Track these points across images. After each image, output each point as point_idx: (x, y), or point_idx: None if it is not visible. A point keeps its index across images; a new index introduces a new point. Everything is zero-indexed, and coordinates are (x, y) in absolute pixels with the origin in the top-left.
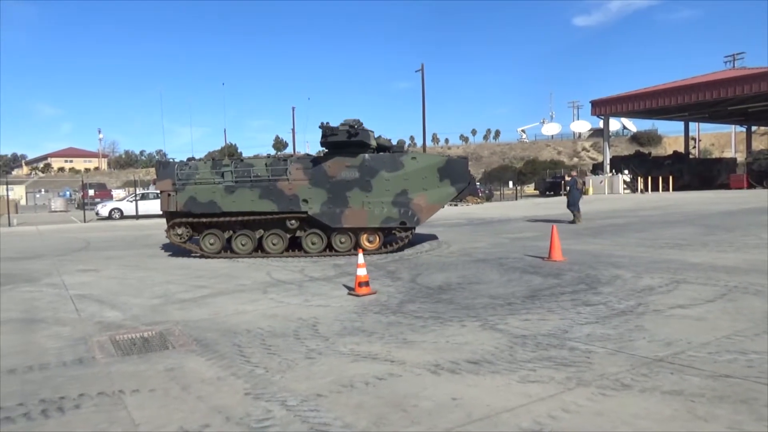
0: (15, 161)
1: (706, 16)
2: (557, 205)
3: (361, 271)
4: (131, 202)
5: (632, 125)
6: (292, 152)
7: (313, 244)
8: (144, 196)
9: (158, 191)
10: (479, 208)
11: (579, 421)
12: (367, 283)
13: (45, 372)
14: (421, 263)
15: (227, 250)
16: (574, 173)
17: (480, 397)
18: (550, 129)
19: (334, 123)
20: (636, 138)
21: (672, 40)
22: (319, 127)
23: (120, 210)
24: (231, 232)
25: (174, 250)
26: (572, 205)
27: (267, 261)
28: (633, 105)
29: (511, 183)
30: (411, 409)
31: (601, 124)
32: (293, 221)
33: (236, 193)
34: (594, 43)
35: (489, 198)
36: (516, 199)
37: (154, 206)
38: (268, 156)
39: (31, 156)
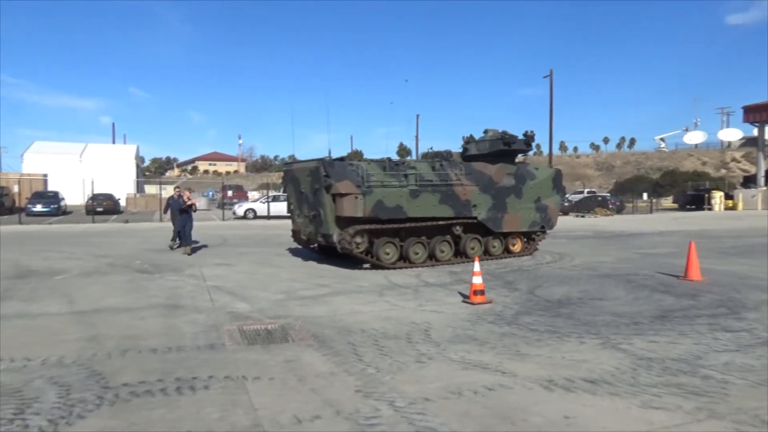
0: (168, 164)
1: None
2: (698, 220)
3: (477, 279)
4: (264, 203)
5: None
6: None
7: (472, 249)
8: (275, 198)
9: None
10: (608, 220)
11: None
12: (482, 292)
13: (181, 353)
14: (541, 275)
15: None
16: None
17: (595, 419)
18: (694, 137)
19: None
20: None
21: None
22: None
23: (254, 210)
24: (398, 239)
25: (299, 250)
26: None
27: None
28: None
29: (645, 195)
30: (519, 423)
31: (755, 132)
32: (458, 227)
33: (420, 198)
34: (749, 42)
35: (620, 210)
36: (650, 212)
37: (283, 208)
38: (434, 159)
39: (181, 159)
